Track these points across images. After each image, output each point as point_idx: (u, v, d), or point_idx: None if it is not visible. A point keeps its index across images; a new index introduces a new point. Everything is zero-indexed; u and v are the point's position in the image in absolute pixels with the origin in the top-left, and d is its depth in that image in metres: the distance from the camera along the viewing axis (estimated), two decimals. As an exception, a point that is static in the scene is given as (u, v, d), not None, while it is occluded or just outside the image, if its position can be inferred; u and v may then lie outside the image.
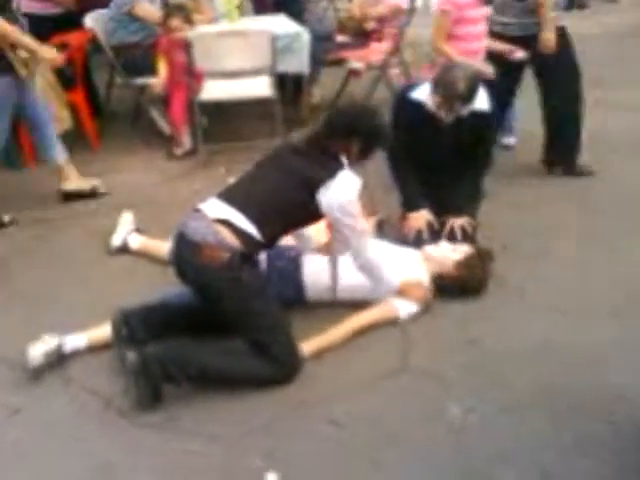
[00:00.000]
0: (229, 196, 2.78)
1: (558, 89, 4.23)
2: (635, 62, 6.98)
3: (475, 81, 3.30)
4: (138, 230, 3.73)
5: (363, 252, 2.93)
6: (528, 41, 4.12)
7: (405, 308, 3.08)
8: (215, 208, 2.73)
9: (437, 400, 2.65)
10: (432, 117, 3.39)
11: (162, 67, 4.89)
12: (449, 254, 3.23)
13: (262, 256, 2.97)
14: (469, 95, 3.28)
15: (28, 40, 3.83)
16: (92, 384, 2.78)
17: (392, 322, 3.05)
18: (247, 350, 2.71)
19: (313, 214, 2.80)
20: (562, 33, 4.14)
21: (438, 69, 3.50)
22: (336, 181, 2.73)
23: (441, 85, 3.29)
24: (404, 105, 3.52)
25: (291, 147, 2.92)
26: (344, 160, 2.80)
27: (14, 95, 3.92)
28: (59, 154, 4.23)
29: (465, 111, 3.35)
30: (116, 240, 3.67)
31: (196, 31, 4.84)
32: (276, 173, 2.81)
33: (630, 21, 8.99)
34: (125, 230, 3.69)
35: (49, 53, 3.94)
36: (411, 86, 3.55)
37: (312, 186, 2.73)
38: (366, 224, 3.07)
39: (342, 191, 2.75)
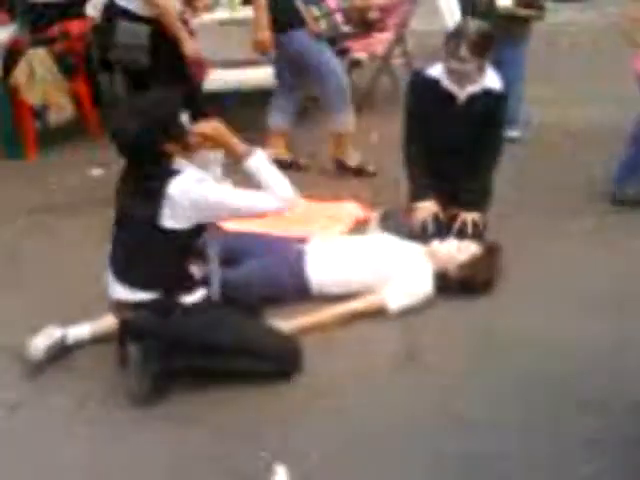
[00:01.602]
0: (114, 266, 2.67)
1: None
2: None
3: (489, 35, 3.26)
4: None
5: (260, 207, 2.60)
6: None
7: (396, 300, 3.07)
8: (110, 285, 2.67)
9: (441, 393, 2.65)
10: (445, 94, 3.37)
11: None
12: (454, 254, 3.20)
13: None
14: (480, 45, 3.22)
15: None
16: (95, 375, 2.77)
17: (381, 312, 3.04)
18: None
19: (188, 235, 2.58)
20: None
21: None
22: (171, 189, 2.48)
23: (453, 31, 3.29)
24: (418, 83, 3.49)
25: (123, 191, 2.66)
26: (173, 163, 2.57)
27: None
28: None
29: (476, 88, 3.33)
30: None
31: (198, 19, 4.80)
32: (127, 223, 2.64)
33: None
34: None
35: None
36: (425, 67, 3.52)
37: (152, 220, 2.50)
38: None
39: (185, 190, 2.49)
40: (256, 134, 4.39)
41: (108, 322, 2.91)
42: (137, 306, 2.60)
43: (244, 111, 5.26)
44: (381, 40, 5.57)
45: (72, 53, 4.90)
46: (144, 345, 2.60)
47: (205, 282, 2.74)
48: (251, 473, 2.34)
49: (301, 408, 2.61)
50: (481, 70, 3.32)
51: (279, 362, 2.71)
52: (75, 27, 4.97)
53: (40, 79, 4.62)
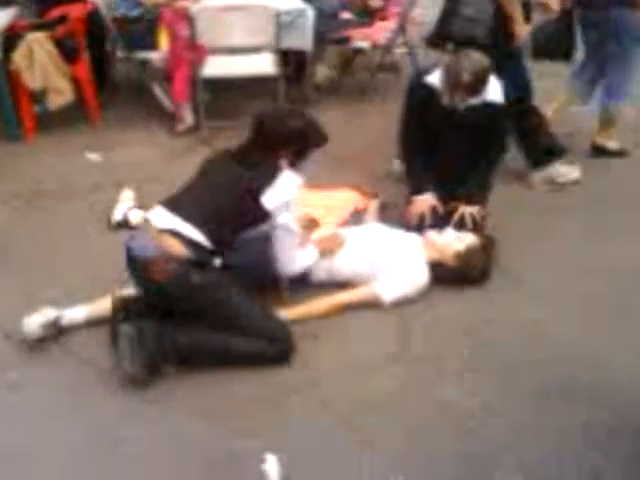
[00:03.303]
0: (174, 205, 2.77)
1: None
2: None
3: (483, 73, 3.25)
4: (140, 207, 3.70)
5: (292, 248, 2.90)
6: None
7: (390, 293, 3.07)
8: (161, 218, 2.73)
9: (435, 387, 2.66)
10: (445, 104, 3.35)
11: (164, 40, 4.83)
12: (451, 243, 3.21)
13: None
14: (474, 86, 3.24)
15: None
16: (91, 357, 2.79)
17: (374, 304, 3.05)
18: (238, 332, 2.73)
19: (259, 218, 2.78)
20: None
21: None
22: (278, 183, 2.75)
23: (447, 72, 3.27)
24: (417, 88, 3.49)
25: (230, 154, 2.88)
26: (283, 164, 2.81)
27: None
28: None
29: (476, 101, 3.32)
30: (117, 215, 3.66)
31: (199, 4, 4.79)
32: (219, 180, 2.80)
33: None
34: (125, 206, 3.67)
35: None
36: (427, 70, 3.51)
37: (255, 192, 2.73)
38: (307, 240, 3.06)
39: (284, 191, 2.76)
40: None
41: (103, 305, 2.93)
42: (186, 241, 2.66)
43: (249, 98, 5.24)
44: (384, 29, 5.53)
45: (72, 37, 4.88)
46: (138, 324, 2.63)
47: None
48: (242, 462, 2.35)
49: (292, 398, 2.61)
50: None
51: (273, 346, 2.73)
52: (75, 11, 4.93)
53: (40, 63, 4.59)
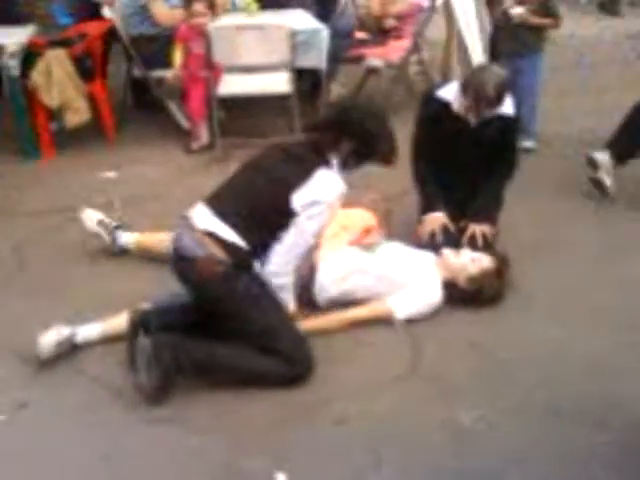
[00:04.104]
0: (214, 203, 2.77)
1: None
2: None
3: (504, 85, 3.25)
4: (119, 227, 3.61)
5: (290, 262, 2.76)
6: None
7: (404, 309, 3.06)
8: (202, 217, 2.74)
9: (444, 405, 2.65)
10: (457, 118, 3.36)
11: (178, 57, 4.87)
12: (466, 265, 3.18)
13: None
14: (498, 99, 3.24)
15: None
16: (103, 376, 2.80)
17: (386, 320, 3.04)
18: (256, 349, 2.72)
19: (285, 215, 2.69)
20: None
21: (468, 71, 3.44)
22: (312, 180, 2.66)
23: (470, 88, 3.24)
24: (430, 103, 3.49)
25: (280, 145, 2.86)
26: (333, 159, 2.71)
27: None
28: None
29: (490, 114, 3.32)
30: (115, 247, 3.56)
31: (216, 23, 4.83)
32: (257, 176, 2.78)
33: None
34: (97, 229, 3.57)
35: None
36: (438, 84, 3.53)
37: (287, 188, 2.67)
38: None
39: (322, 189, 2.66)
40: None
41: (118, 323, 2.93)
42: (225, 245, 2.65)
43: (263, 117, 5.27)
44: (397, 48, 5.55)
45: (90, 55, 4.93)
46: (155, 338, 2.63)
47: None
48: (251, 480, 2.35)
49: (303, 416, 2.61)
50: None
51: (292, 367, 2.71)
52: (92, 28, 4.99)
53: (58, 81, 4.64)
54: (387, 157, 2.79)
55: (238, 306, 2.69)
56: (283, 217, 2.69)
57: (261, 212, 2.71)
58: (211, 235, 2.67)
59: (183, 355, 2.64)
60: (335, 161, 2.72)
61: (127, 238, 3.54)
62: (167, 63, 4.94)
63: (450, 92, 3.39)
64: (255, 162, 2.86)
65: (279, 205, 2.68)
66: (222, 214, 2.71)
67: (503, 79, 3.25)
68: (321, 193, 2.65)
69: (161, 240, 3.38)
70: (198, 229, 2.70)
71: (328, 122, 2.74)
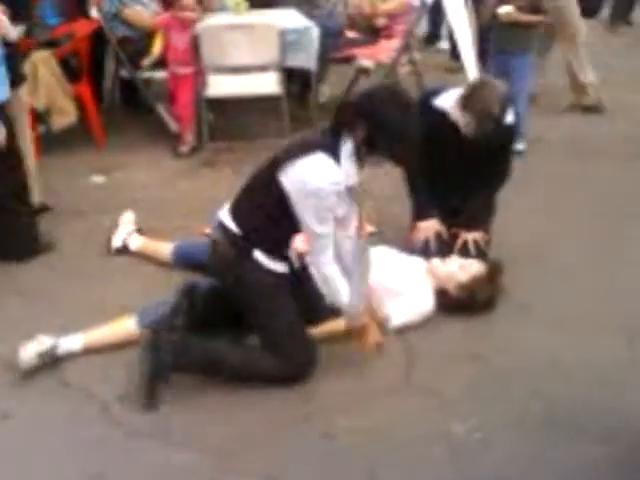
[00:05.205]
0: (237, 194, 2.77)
1: None
2: None
3: (507, 100, 3.15)
4: (139, 231, 3.68)
5: (317, 254, 2.60)
6: None
7: (395, 318, 3.02)
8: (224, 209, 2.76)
9: (439, 417, 2.61)
10: (453, 127, 3.28)
11: (157, 44, 4.80)
12: (454, 273, 3.15)
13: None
14: (502, 115, 3.13)
15: None
16: (88, 388, 2.74)
17: (379, 328, 2.92)
18: (260, 346, 2.72)
19: (275, 195, 2.54)
20: None
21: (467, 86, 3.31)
22: (299, 163, 2.47)
23: (474, 108, 3.10)
24: (426, 111, 3.33)
25: (305, 133, 2.82)
26: (347, 143, 2.51)
27: None
28: None
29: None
30: (116, 241, 3.62)
31: (204, 22, 4.77)
32: (265, 162, 2.68)
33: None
34: (126, 230, 3.64)
35: None
36: (434, 92, 3.44)
37: (275, 163, 2.55)
38: (330, 228, 2.58)
39: (310, 172, 2.45)
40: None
41: (102, 334, 2.90)
42: (225, 231, 2.66)
43: (253, 118, 5.22)
44: (388, 47, 5.50)
45: (77, 55, 4.86)
46: (156, 330, 2.65)
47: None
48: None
49: (293, 429, 2.56)
50: None
51: (292, 367, 2.70)
52: (80, 28, 4.91)
53: (44, 83, 4.57)
54: (400, 155, 2.60)
55: (246, 295, 2.68)
56: (276, 201, 2.54)
57: (253, 195, 2.65)
58: (220, 224, 2.70)
59: (182, 352, 2.64)
60: (348, 146, 2.51)
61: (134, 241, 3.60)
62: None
63: (447, 101, 3.29)
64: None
65: (267, 185, 2.57)
66: (232, 204, 2.72)
67: (505, 93, 3.15)
68: (304, 179, 2.46)
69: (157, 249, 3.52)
70: (217, 218, 2.74)
71: (354, 105, 2.56)
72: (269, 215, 2.60)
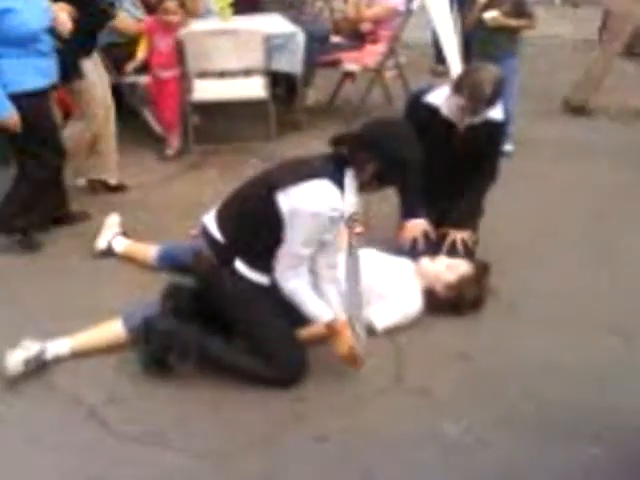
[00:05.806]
0: (222, 202, 2.78)
1: None
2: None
3: (500, 84, 3.16)
4: (124, 234, 3.65)
5: (285, 270, 2.61)
6: None
7: (383, 320, 3.02)
8: (210, 215, 2.77)
9: (430, 418, 2.59)
10: (445, 123, 3.29)
11: (141, 49, 4.78)
12: (442, 273, 3.14)
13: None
14: (494, 97, 3.15)
15: None
16: (76, 393, 2.70)
17: (368, 330, 2.92)
18: (248, 348, 2.73)
19: (271, 217, 2.55)
20: None
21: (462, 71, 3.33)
22: (304, 186, 2.51)
23: (467, 87, 3.13)
24: (417, 108, 3.38)
25: (301, 157, 2.77)
26: (351, 177, 2.58)
27: None
28: None
29: (479, 119, 3.26)
30: (101, 243, 3.59)
31: (188, 28, 4.76)
32: (259, 175, 2.74)
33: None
34: (111, 233, 3.61)
35: None
36: (425, 89, 3.44)
37: (271, 184, 2.57)
38: (309, 252, 2.62)
39: (314, 196, 2.50)
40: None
41: (89, 337, 2.87)
42: (209, 239, 2.69)
43: (239, 122, 5.20)
44: (373, 52, 5.51)
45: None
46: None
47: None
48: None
49: (286, 432, 2.54)
50: None
51: (281, 372, 2.70)
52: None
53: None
54: (407, 181, 2.81)
55: (226, 303, 2.71)
56: (267, 216, 2.56)
57: (242, 207, 2.67)
58: (204, 230, 2.71)
59: (174, 341, 2.67)
60: (352, 179, 2.58)
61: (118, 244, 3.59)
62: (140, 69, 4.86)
63: (439, 97, 3.31)
64: (269, 167, 2.78)
65: (259, 200, 2.59)
66: (218, 211, 2.74)
67: (498, 77, 3.16)
68: (306, 201, 2.51)
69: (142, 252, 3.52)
70: (201, 223, 2.76)
71: (361, 140, 2.59)
72: (256, 229, 2.62)
